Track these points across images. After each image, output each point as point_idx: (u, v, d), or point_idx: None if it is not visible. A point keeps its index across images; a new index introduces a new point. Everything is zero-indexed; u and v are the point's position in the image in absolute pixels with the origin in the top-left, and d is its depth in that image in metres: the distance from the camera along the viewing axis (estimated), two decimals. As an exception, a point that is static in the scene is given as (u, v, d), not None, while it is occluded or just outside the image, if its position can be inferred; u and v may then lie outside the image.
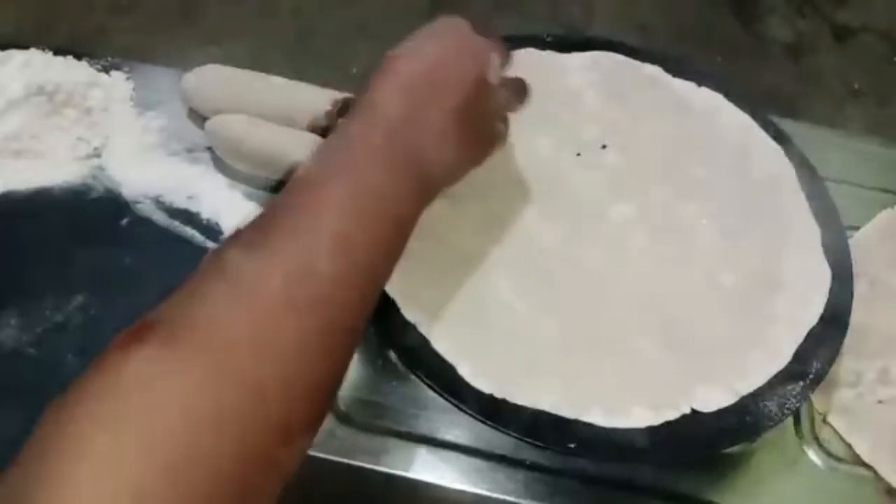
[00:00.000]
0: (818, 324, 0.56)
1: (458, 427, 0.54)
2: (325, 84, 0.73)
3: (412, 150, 0.44)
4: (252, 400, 0.33)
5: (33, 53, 0.74)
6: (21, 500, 0.29)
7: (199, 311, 0.35)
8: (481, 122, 0.50)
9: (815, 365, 0.54)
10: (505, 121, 0.54)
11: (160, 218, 0.68)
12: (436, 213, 0.59)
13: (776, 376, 0.53)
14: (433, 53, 0.48)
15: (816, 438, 0.57)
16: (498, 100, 0.51)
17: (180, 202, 0.69)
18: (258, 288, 0.36)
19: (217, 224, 0.68)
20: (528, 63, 0.68)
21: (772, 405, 0.52)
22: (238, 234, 0.40)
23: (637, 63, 0.69)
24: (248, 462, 0.33)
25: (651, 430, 0.51)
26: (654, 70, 0.69)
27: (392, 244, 0.44)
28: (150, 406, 0.31)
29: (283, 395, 0.35)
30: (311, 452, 0.51)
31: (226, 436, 0.32)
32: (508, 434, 0.49)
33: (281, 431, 0.35)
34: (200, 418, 0.31)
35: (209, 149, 0.72)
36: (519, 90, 0.54)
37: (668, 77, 0.68)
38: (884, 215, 0.67)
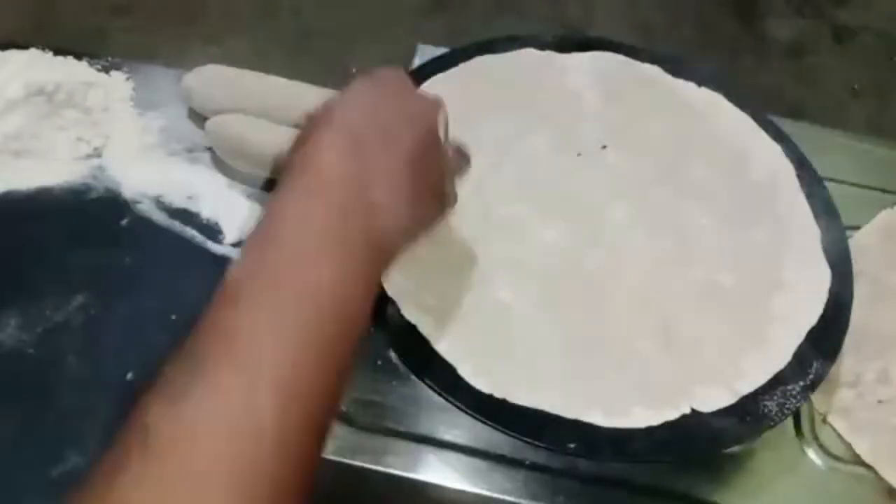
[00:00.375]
0: (818, 324, 0.56)
1: (458, 427, 0.54)
2: (325, 84, 0.73)
3: (364, 220, 0.39)
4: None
5: (33, 53, 0.74)
6: None
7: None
8: (434, 179, 0.45)
9: (815, 365, 0.54)
10: (452, 183, 0.48)
11: (160, 218, 0.68)
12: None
13: (776, 376, 0.53)
14: (377, 102, 0.43)
15: (816, 438, 0.57)
16: (446, 159, 0.46)
17: (180, 202, 0.69)
18: (183, 464, 0.31)
19: (217, 224, 0.68)
20: (527, 63, 0.68)
21: (772, 405, 0.52)
22: (159, 380, 0.35)
23: (637, 63, 0.69)
24: None
25: (651, 430, 0.51)
26: (654, 70, 0.69)
27: (345, 359, 0.37)
28: None
29: None
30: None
31: None
32: (508, 434, 0.49)
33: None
34: None
35: (209, 149, 0.72)
36: (462, 154, 0.51)
37: (668, 77, 0.68)
38: (884, 215, 0.67)
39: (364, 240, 0.38)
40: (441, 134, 0.45)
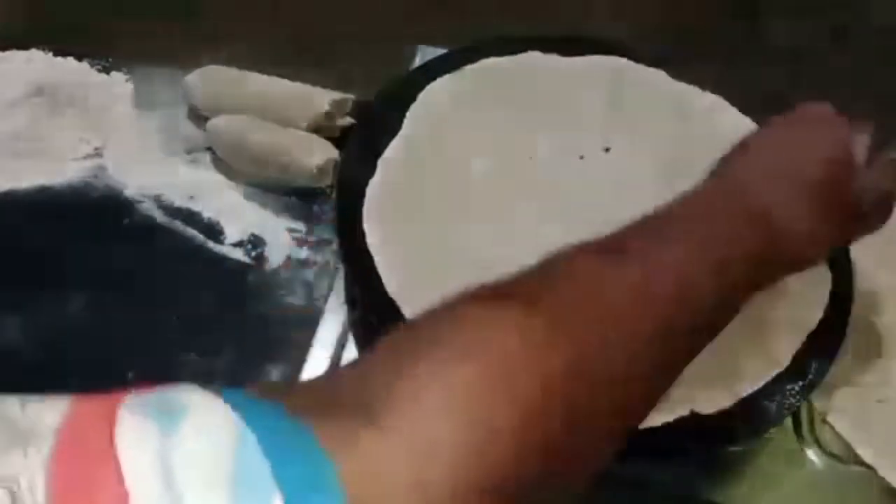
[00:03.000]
0: (818, 324, 0.56)
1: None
2: (324, 84, 0.73)
3: (761, 214, 0.43)
4: (604, 389, 0.34)
5: (34, 54, 0.74)
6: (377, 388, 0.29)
7: (551, 297, 0.36)
8: (842, 203, 0.47)
9: (815, 365, 0.54)
10: (882, 200, 0.50)
11: (161, 218, 0.68)
12: (436, 214, 0.59)
13: (776, 377, 0.53)
14: (788, 131, 0.48)
15: (816, 438, 0.57)
16: (866, 181, 0.48)
17: (181, 202, 0.69)
18: (609, 290, 0.37)
19: (218, 224, 0.68)
20: (531, 66, 0.68)
21: (771, 405, 0.52)
22: (588, 246, 0.41)
23: (640, 67, 0.69)
24: (578, 435, 0.34)
25: (650, 432, 0.51)
26: (656, 74, 0.69)
27: (731, 289, 0.42)
28: (514, 355, 0.32)
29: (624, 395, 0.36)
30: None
31: (561, 406, 0.32)
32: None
33: (618, 415, 0.36)
34: (554, 375, 0.32)
35: (209, 149, 0.72)
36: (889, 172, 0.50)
37: (670, 80, 0.69)
38: (884, 215, 0.67)
39: (757, 223, 0.43)
40: (858, 156, 0.47)
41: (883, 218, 0.50)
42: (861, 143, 0.48)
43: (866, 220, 0.50)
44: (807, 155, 0.47)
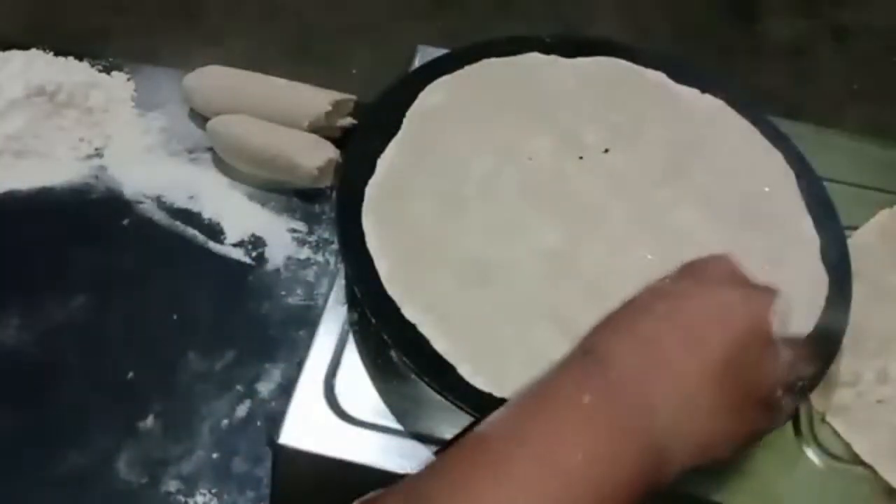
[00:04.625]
0: (816, 325, 0.56)
1: (458, 427, 0.54)
2: (325, 84, 0.73)
3: (640, 415, 0.34)
4: None
5: (34, 54, 0.74)
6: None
7: None
8: (755, 387, 0.38)
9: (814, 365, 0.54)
10: (792, 391, 0.41)
11: (161, 218, 0.68)
12: (437, 214, 0.59)
13: (775, 376, 0.53)
14: (688, 295, 0.39)
15: (815, 438, 0.57)
16: (782, 361, 0.39)
17: (181, 202, 0.69)
18: None
19: (218, 224, 0.68)
20: (532, 66, 0.68)
21: (771, 405, 0.52)
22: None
23: (640, 68, 0.69)
24: None
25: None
26: (656, 75, 0.69)
27: None
28: None
29: None
30: (312, 450, 0.51)
31: None
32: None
33: None
34: None
35: (210, 149, 0.72)
36: (807, 351, 0.43)
37: (670, 82, 0.68)
38: (883, 215, 0.67)
39: (638, 438, 0.34)
40: (775, 327, 0.38)
41: (793, 408, 0.42)
42: (779, 311, 0.39)
43: (776, 414, 0.41)
44: (716, 323, 0.37)
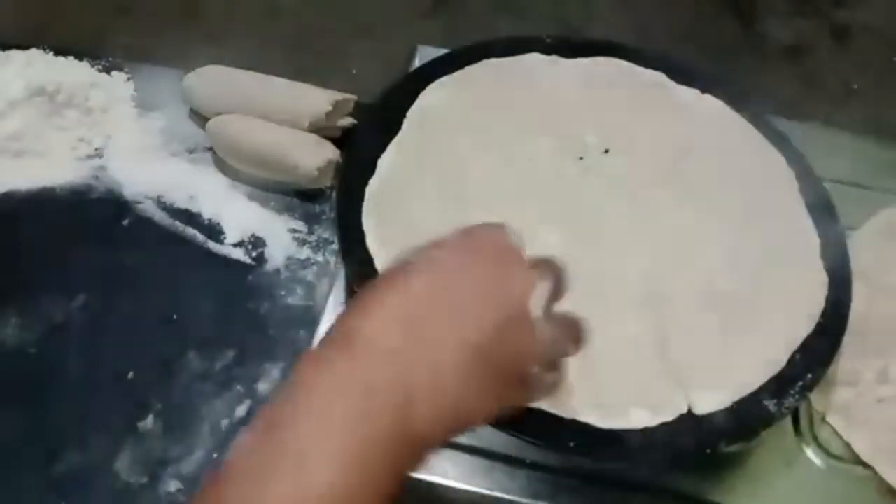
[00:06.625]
0: (816, 324, 0.56)
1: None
2: (325, 84, 0.73)
3: (397, 408, 0.34)
4: None
5: (34, 54, 0.74)
6: None
7: None
8: (511, 365, 0.38)
9: (813, 365, 0.54)
10: (553, 368, 0.41)
11: (161, 218, 0.68)
12: (436, 214, 0.59)
13: (774, 377, 0.53)
14: (455, 269, 0.38)
15: (815, 438, 0.57)
16: (542, 338, 0.39)
17: (181, 202, 0.69)
18: None
19: (218, 224, 0.68)
20: (532, 67, 0.69)
21: (770, 405, 0.52)
22: None
23: (640, 69, 0.69)
24: None
25: (648, 432, 0.51)
26: (656, 76, 0.69)
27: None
28: None
29: None
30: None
31: None
32: (508, 433, 0.49)
33: None
34: None
35: (210, 149, 0.72)
36: (573, 330, 0.41)
37: (670, 82, 0.69)
38: (883, 215, 0.67)
39: (394, 432, 0.33)
40: (535, 311, 0.39)
41: (557, 384, 0.41)
42: (541, 291, 0.39)
43: (532, 390, 0.41)
44: (477, 303, 0.37)
